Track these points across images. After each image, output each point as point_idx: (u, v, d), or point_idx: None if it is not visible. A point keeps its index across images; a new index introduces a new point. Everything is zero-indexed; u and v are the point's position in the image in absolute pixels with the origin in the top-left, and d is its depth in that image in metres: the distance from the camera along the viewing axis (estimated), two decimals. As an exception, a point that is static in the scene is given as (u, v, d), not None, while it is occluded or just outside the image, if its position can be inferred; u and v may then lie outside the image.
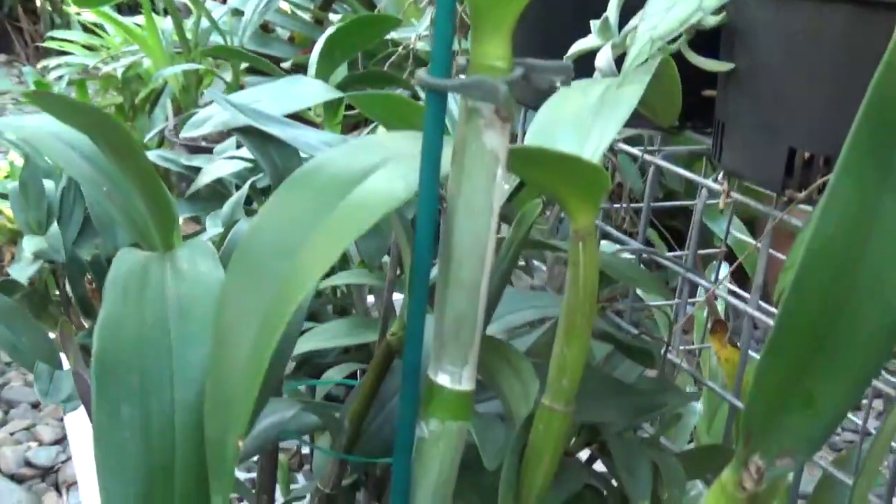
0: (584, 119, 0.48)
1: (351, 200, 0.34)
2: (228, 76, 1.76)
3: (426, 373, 0.35)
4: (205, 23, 1.74)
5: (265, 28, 1.93)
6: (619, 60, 0.63)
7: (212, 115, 0.54)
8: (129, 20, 2.11)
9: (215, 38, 1.84)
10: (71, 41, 2.16)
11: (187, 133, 0.55)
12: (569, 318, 0.42)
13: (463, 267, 0.33)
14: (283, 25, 1.90)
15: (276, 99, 0.55)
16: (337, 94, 0.57)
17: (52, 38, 2.17)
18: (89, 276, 0.78)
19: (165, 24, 1.91)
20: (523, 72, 0.31)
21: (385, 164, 0.35)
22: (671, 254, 0.72)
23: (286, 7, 1.89)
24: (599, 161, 0.44)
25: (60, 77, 2.08)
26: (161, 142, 1.89)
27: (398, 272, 0.62)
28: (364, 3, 1.86)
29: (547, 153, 0.37)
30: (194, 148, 1.70)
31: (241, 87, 1.75)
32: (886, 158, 0.36)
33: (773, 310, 0.63)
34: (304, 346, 0.64)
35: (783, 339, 0.37)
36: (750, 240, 0.95)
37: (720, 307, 1.02)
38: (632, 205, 0.79)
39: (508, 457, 0.43)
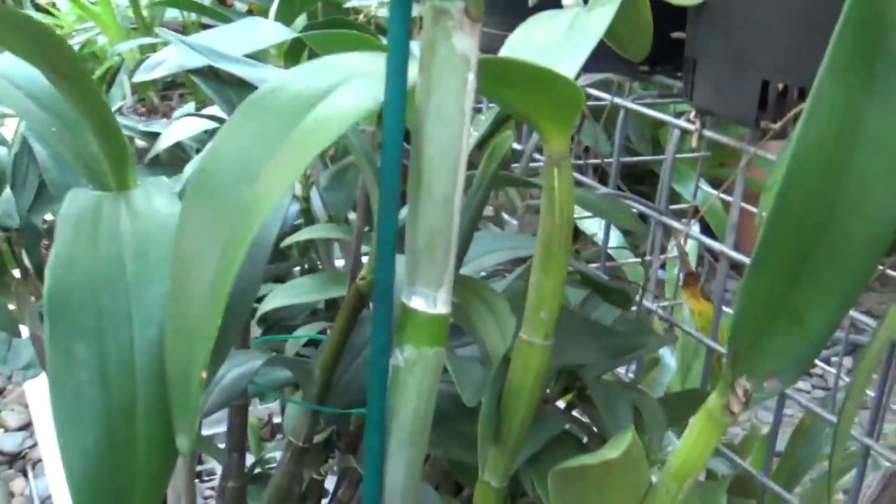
0: (555, 44, 0.46)
1: (314, 117, 0.32)
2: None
3: (399, 298, 0.33)
4: (160, -4, 1.70)
5: (223, 2, 1.89)
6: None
7: (166, 58, 0.52)
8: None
9: (173, 14, 1.80)
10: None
11: (140, 77, 0.52)
12: (545, 246, 0.40)
13: (435, 178, 0.31)
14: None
15: (233, 40, 0.53)
16: (294, 35, 0.55)
17: (3, 19, 2.11)
18: (46, 243, 0.75)
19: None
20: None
21: (348, 81, 0.33)
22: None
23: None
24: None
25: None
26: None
27: (366, 225, 0.60)
28: None
29: (521, 65, 0.35)
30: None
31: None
32: (871, 61, 0.34)
33: (745, 259, 0.62)
34: (271, 303, 0.62)
35: (768, 255, 0.35)
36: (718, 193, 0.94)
37: (693, 261, 1.01)
38: (600, 160, 0.77)
39: (487, 395, 0.42)
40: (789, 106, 0.57)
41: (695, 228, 0.92)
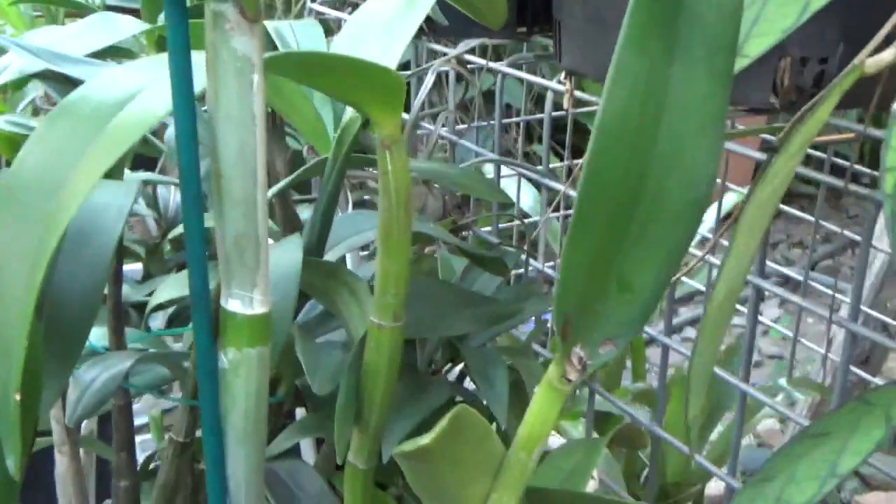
0: (390, 22, 0.46)
1: (111, 127, 0.32)
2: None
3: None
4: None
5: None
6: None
7: (8, 64, 0.51)
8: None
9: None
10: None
11: (-16, 84, 0.51)
12: (385, 230, 0.41)
13: (234, 181, 0.31)
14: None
15: (82, 37, 0.52)
16: (146, 26, 0.54)
17: None
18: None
19: (24, -13, 1.82)
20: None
21: (144, 89, 0.33)
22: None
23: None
24: (396, 63, 0.43)
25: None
26: (36, 112, 1.82)
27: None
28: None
29: (334, 62, 0.35)
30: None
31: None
32: (671, 26, 0.34)
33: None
34: (160, 296, 0.62)
35: (586, 224, 0.36)
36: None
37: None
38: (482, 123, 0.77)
39: (345, 378, 0.42)
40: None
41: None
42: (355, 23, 0.46)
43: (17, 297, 0.31)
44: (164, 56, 0.36)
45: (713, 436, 0.91)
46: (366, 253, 0.79)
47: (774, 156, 0.38)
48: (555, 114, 0.67)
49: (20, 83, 0.59)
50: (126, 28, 0.55)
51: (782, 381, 0.88)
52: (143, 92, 0.33)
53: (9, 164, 0.40)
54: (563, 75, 0.65)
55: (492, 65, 0.68)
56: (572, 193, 0.65)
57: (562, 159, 1.33)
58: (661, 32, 0.35)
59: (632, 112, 0.35)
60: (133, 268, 0.75)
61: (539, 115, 0.72)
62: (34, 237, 0.31)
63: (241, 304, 0.33)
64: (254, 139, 0.31)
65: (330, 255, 0.52)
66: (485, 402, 0.54)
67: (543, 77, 0.70)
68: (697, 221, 0.37)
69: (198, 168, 0.31)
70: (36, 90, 1.70)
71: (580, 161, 0.40)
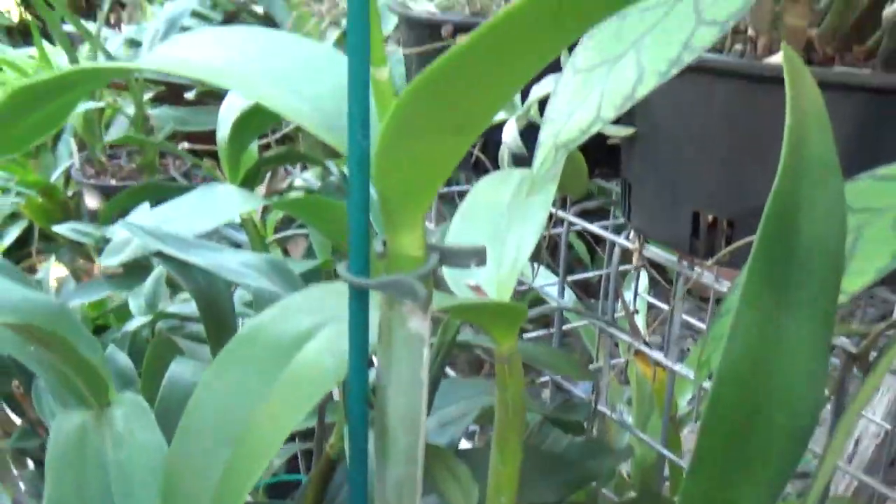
0: (498, 225, 0.49)
1: (287, 380, 0.35)
2: (132, 109, 1.73)
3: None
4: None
5: (179, 96, 1.88)
6: (526, 131, 0.65)
7: (130, 239, 0.54)
8: (22, 52, 2.05)
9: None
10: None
11: (107, 261, 0.54)
12: (501, 437, 0.44)
13: (399, 439, 0.34)
14: (183, 51, 1.87)
15: (191, 216, 0.55)
16: (257, 202, 0.57)
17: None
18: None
19: (60, 57, 1.86)
20: (438, 260, 0.33)
21: (317, 332, 0.36)
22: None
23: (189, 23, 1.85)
24: (516, 275, 0.46)
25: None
26: (67, 180, 1.85)
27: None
28: (265, 20, 1.85)
29: (468, 305, 0.38)
30: (104, 188, 1.67)
31: (146, 119, 1.73)
32: (782, 278, 0.38)
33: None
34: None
35: (705, 459, 0.39)
36: (660, 304, 0.99)
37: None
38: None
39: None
40: (720, 235, 0.60)
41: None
42: (473, 210, 0.49)
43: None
44: (327, 289, 0.39)
45: None
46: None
47: (865, 377, 0.41)
48: (621, 268, 0.71)
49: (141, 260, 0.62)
50: (231, 205, 0.58)
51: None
52: (313, 339, 0.36)
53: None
54: (631, 232, 0.68)
55: (561, 213, 0.71)
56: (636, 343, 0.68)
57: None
58: (772, 286, 0.38)
59: (746, 360, 0.38)
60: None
61: (605, 271, 0.75)
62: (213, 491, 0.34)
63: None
64: (419, 402, 0.34)
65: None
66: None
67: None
68: (802, 449, 0.40)
69: (366, 422, 0.34)
70: (71, 157, 1.71)
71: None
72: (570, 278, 0.73)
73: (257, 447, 0.34)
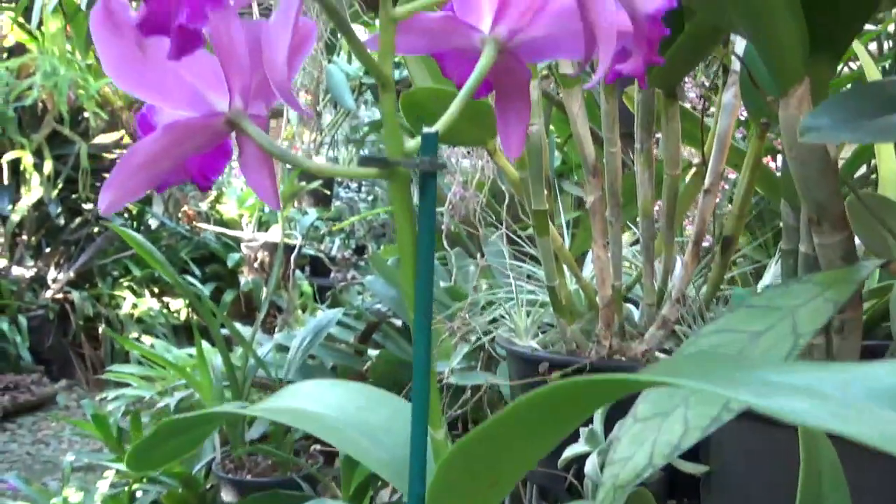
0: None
1: None
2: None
3: None
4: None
5: (309, 355, 2.05)
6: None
7: None
8: (184, 352, 2.27)
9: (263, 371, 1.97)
10: (129, 373, 2.31)
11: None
12: None
13: None
14: (326, 356, 2.03)
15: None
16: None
17: (111, 371, 2.32)
18: None
19: (216, 357, 2.04)
20: None
21: None
22: None
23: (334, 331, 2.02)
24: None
25: (117, 408, 2.20)
26: (207, 473, 1.97)
27: None
28: (404, 331, 1.99)
29: None
30: (240, 483, 1.78)
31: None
32: None
33: None
34: None
35: None
36: None
37: None
38: None
39: None
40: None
41: None
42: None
43: None
44: None
45: None
46: None
47: None
48: None
49: None
50: None
51: None
52: None
53: None
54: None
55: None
56: None
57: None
58: None
59: None
60: None
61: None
62: None
63: None
64: None
65: None
66: None
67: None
68: None
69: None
70: (210, 454, 1.83)
71: None
72: None
73: None
